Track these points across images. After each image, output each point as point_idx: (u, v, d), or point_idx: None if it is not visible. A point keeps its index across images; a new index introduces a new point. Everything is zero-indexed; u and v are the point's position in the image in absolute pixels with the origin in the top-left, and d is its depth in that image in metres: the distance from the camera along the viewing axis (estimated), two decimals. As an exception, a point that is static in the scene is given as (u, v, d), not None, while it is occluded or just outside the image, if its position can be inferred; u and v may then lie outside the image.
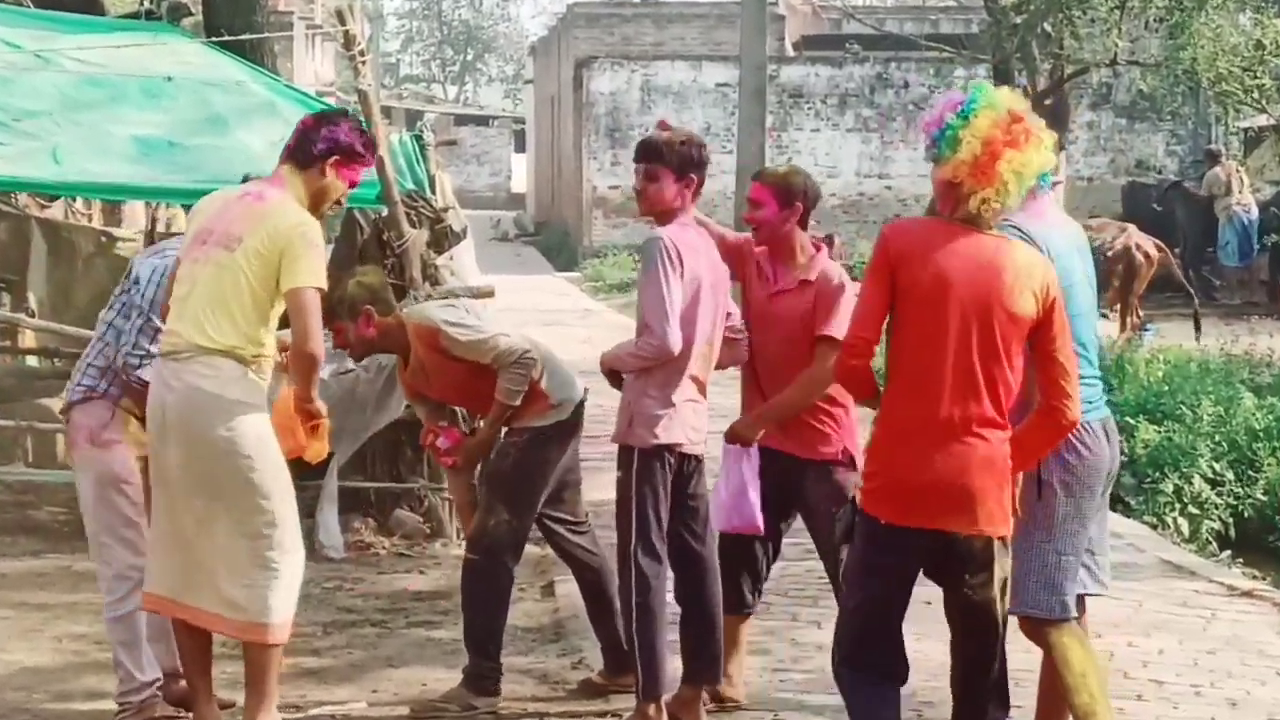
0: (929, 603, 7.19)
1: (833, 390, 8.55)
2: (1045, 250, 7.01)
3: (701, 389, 8.36)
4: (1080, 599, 7.42)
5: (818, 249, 8.68)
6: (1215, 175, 31.14)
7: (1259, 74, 24.07)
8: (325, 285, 7.75)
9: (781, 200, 8.60)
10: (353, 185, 7.99)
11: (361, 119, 10.65)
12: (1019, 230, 7.01)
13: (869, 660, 6.83)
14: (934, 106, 7.01)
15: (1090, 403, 7.12)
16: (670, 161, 8.30)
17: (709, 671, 8.55)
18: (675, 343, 8.07)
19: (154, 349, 8.08)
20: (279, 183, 7.86)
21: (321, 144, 7.85)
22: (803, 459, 8.70)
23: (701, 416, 8.37)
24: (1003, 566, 6.77)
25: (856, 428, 8.69)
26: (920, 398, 6.66)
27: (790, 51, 44.28)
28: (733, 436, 8.61)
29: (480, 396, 9.01)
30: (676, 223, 8.31)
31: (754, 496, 8.59)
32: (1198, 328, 17.51)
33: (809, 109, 41.45)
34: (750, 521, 8.61)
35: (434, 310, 9.09)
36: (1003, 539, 6.78)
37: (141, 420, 8.23)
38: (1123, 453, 9.32)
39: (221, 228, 7.69)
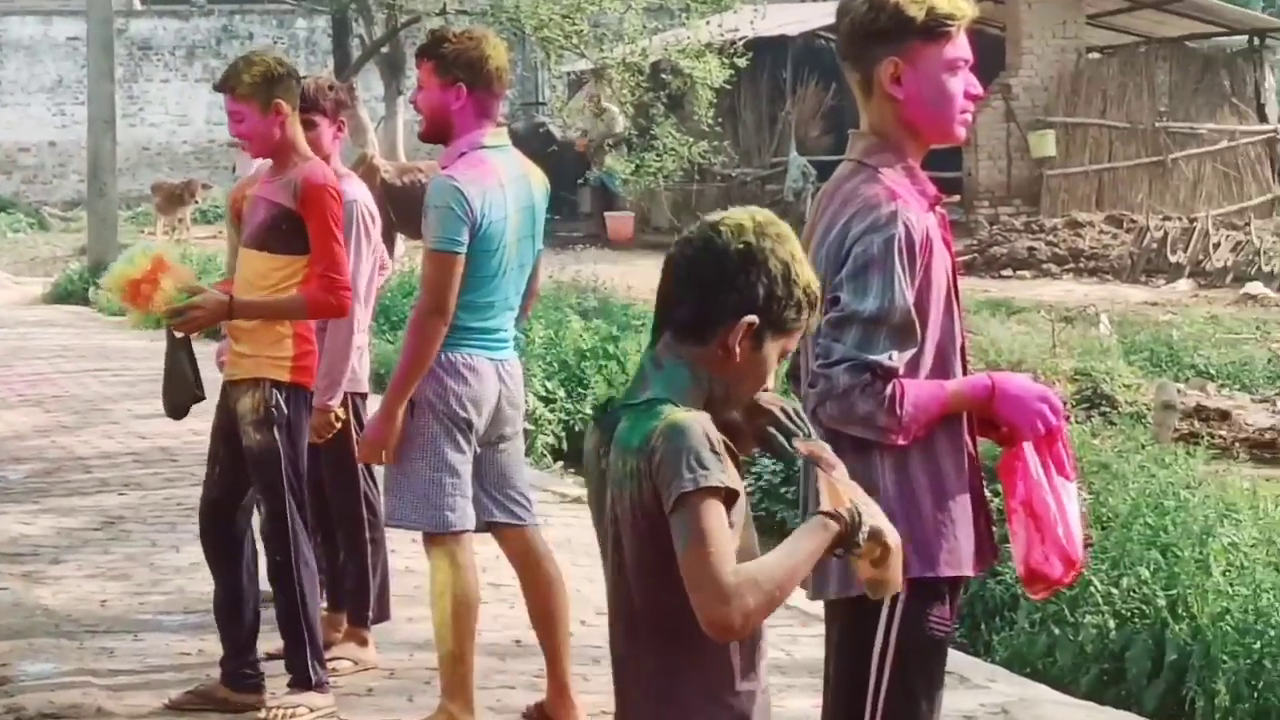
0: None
1: None
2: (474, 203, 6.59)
3: None
4: (494, 527, 7.03)
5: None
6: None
7: (578, 21, 24.46)
8: None
9: None
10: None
11: None
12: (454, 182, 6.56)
13: None
14: None
15: (490, 342, 7.12)
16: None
17: None
18: None
19: None
20: None
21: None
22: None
23: None
24: None
25: None
26: None
27: (138, 5, 42.20)
28: None
29: None
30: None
31: None
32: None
33: (158, 61, 39.93)
34: None
35: None
36: None
37: None
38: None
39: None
